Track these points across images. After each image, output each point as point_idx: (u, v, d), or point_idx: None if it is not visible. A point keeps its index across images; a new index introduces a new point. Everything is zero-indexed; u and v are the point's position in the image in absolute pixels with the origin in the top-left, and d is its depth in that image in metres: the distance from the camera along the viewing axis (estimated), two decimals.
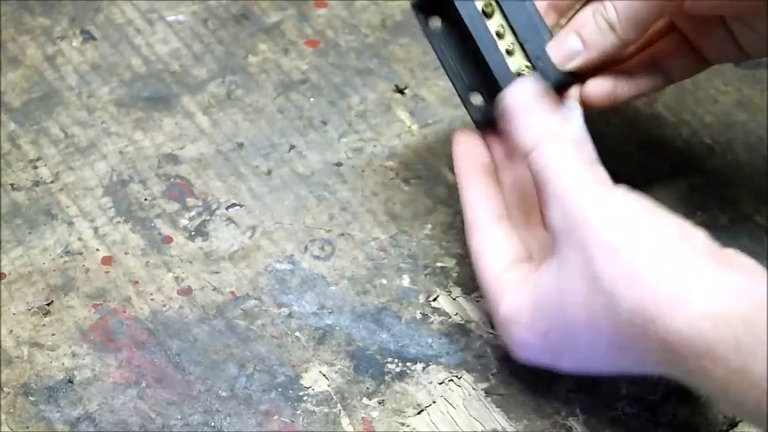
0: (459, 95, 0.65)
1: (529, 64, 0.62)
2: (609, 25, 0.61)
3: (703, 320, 0.52)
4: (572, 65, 0.62)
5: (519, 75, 0.62)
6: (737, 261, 0.54)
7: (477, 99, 0.65)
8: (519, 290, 0.59)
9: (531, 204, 0.63)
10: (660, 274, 0.54)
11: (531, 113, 0.60)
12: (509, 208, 0.63)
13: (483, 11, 0.63)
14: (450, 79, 0.65)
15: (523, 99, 0.61)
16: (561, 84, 0.63)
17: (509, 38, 0.63)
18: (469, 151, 0.64)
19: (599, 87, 0.64)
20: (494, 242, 0.62)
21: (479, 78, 0.65)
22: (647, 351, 0.54)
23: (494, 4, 0.63)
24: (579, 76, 0.63)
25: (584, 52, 0.62)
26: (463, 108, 0.66)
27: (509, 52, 0.63)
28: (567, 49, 0.62)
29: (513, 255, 0.61)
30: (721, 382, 0.52)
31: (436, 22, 0.66)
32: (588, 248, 0.55)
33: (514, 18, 0.63)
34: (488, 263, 0.61)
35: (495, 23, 0.63)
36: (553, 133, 0.59)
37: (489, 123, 0.64)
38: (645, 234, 0.55)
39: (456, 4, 0.63)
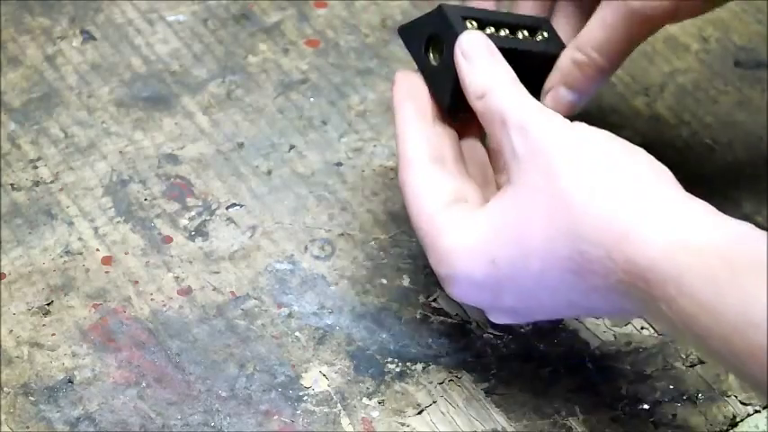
0: None
1: (542, 32, 0.64)
2: (592, 64, 0.62)
3: (677, 247, 0.51)
4: (578, 109, 0.63)
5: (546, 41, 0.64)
6: (703, 202, 0.54)
7: None
8: (463, 223, 0.58)
9: (476, 164, 0.63)
10: (634, 195, 0.53)
11: (485, 59, 0.60)
12: (446, 159, 0.62)
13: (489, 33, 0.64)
14: None
15: (477, 46, 0.61)
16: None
17: (519, 32, 0.64)
18: (410, 91, 0.63)
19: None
20: (431, 181, 0.60)
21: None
22: (607, 275, 0.53)
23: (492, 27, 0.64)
24: None
25: (582, 96, 0.63)
26: None
27: (531, 34, 0.64)
28: (566, 104, 0.63)
29: (452, 195, 0.59)
30: (685, 314, 0.51)
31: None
32: (554, 167, 0.54)
33: (502, 18, 0.64)
34: (426, 200, 0.59)
35: (502, 32, 0.64)
36: (508, 78, 0.59)
37: None
38: (616, 155, 0.55)
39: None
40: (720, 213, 0.53)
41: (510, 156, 0.57)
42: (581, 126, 0.57)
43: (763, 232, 0.51)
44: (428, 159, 0.60)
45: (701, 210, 0.53)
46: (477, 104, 0.59)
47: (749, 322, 0.49)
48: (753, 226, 0.52)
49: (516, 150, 0.56)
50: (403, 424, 0.63)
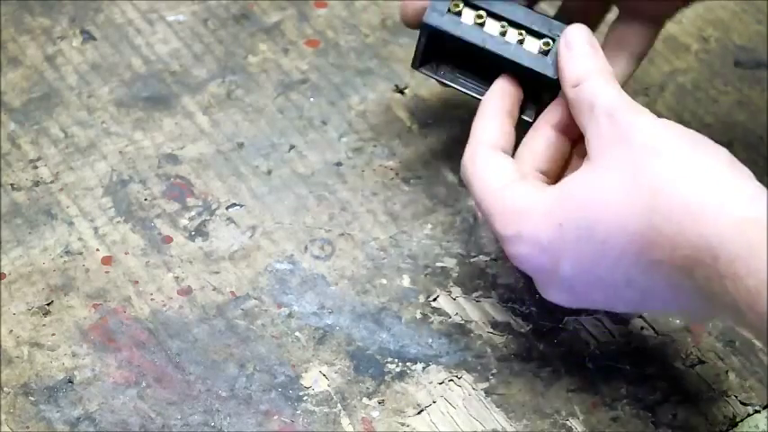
0: None
1: (547, 40, 0.63)
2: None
3: (749, 224, 0.52)
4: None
5: (545, 54, 0.63)
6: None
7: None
8: (533, 191, 0.60)
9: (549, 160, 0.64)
10: (712, 180, 0.54)
11: (584, 51, 0.62)
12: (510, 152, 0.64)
13: (476, 23, 0.64)
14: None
15: (579, 38, 0.62)
16: None
17: (513, 32, 0.63)
18: (503, 91, 0.65)
19: None
20: (497, 162, 0.62)
21: None
22: (674, 249, 0.54)
23: (483, 13, 0.64)
24: None
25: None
26: (463, 108, 0.66)
27: (521, 42, 0.63)
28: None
29: (517, 174, 0.61)
30: (750, 293, 0.51)
31: (444, 65, 0.66)
32: (637, 149, 0.56)
33: (509, 14, 0.64)
34: (492, 177, 0.61)
35: (495, 28, 0.64)
36: (604, 72, 0.61)
37: None
38: (699, 147, 0.56)
39: (448, 32, 0.64)
40: None
41: (594, 137, 0.58)
42: (668, 121, 0.58)
43: None
44: (495, 146, 0.62)
45: (764, 188, 0.55)
46: (570, 93, 0.61)
47: None
48: None
49: (603, 132, 0.58)
50: (403, 424, 0.63)
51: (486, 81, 0.65)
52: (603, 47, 0.64)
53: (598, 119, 0.59)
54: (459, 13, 0.64)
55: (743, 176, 0.56)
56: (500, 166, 0.61)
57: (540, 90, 0.64)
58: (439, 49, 0.65)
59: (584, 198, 0.57)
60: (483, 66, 0.65)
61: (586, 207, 0.57)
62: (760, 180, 0.56)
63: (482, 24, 0.64)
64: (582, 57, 0.62)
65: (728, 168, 0.56)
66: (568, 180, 0.59)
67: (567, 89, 0.61)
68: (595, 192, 0.57)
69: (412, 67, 0.66)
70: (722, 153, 0.57)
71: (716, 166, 0.56)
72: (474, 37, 0.64)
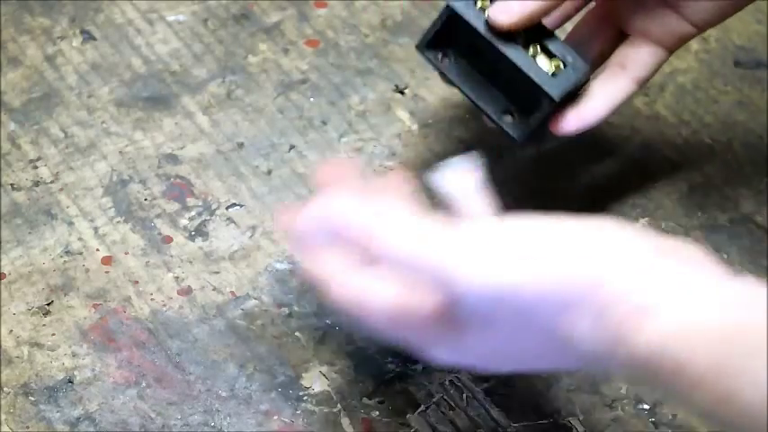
0: (493, 120, 0.65)
1: (558, 63, 0.63)
2: None
3: (674, 334, 0.46)
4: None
5: (554, 75, 0.62)
6: (686, 253, 0.49)
7: (508, 119, 0.65)
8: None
9: None
10: (624, 279, 0.48)
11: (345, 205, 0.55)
12: None
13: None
14: (479, 107, 0.65)
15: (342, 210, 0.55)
16: (586, 77, 0.63)
17: (529, 44, 0.63)
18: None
19: None
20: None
21: (508, 95, 0.64)
22: (615, 364, 0.48)
23: None
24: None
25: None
26: (463, 108, 0.66)
27: (534, 56, 0.63)
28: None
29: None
30: (703, 405, 0.46)
31: (447, 56, 0.66)
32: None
33: (530, 28, 0.63)
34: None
35: (513, 34, 0.63)
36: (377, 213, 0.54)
37: (530, 137, 0.64)
38: (590, 240, 0.50)
39: (469, 22, 0.63)
40: (718, 273, 0.48)
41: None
42: (501, 220, 0.52)
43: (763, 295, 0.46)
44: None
45: (697, 284, 0.48)
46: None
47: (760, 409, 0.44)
48: (755, 286, 0.47)
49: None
50: (403, 424, 0.63)
51: (486, 85, 0.65)
52: (606, 66, 0.63)
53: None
54: (483, 10, 0.63)
55: (648, 249, 0.49)
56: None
57: (533, 108, 0.63)
58: (449, 38, 0.64)
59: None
60: (486, 69, 0.64)
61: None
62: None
63: None
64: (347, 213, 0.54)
65: (645, 270, 0.48)
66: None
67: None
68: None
69: (417, 47, 0.65)
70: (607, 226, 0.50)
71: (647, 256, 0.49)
72: (491, 36, 0.63)
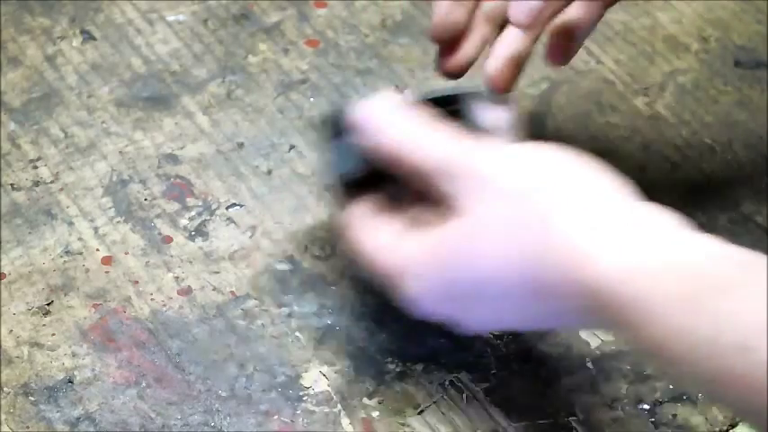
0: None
1: None
2: None
3: (636, 271, 0.48)
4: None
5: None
6: (664, 212, 0.51)
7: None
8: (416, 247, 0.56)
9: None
10: (589, 214, 0.50)
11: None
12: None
13: None
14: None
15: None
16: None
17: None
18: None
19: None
20: (373, 224, 0.58)
21: None
22: (567, 298, 0.50)
23: None
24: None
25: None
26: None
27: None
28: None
29: (398, 228, 0.58)
30: (651, 341, 0.48)
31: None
32: (500, 197, 0.52)
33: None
34: (371, 239, 0.58)
35: None
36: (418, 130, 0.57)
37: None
38: (565, 171, 0.52)
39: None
40: (684, 225, 0.51)
41: (446, 192, 0.55)
42: (513, 148, 0.55)
43: (726, 248, 0.49)
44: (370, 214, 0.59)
45: (662, 224, 0.51)
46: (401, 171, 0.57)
47: (722, 348, 0.46)
48: (716, 240, 0.50)
49: (454, 188, 0.54)
50: (403, 424, 0.63)
51: None
52: None
53: (439, 177, 0.54)
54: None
55: (621, 197, 0.52)
56: (376, 228, 0.59)
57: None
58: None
59: (465, 256, 0.53)
60: None
61: (469, 267, 0.53)
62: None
63: None
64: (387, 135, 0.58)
65: (604, 194, 0.52)
66: (443, 236, 0.55)
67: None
68: (474, 248, 0.53)
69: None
70: (592, 172, 0.53)
71: (590, 194, 0.52)
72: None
